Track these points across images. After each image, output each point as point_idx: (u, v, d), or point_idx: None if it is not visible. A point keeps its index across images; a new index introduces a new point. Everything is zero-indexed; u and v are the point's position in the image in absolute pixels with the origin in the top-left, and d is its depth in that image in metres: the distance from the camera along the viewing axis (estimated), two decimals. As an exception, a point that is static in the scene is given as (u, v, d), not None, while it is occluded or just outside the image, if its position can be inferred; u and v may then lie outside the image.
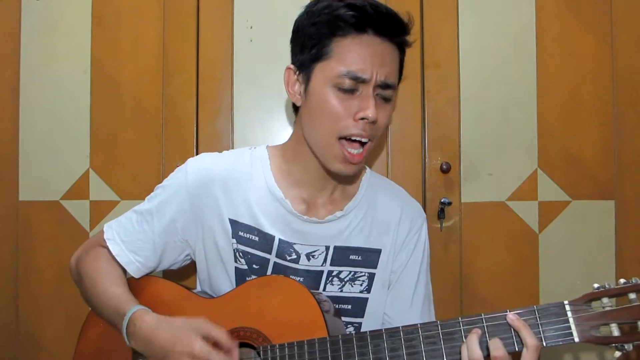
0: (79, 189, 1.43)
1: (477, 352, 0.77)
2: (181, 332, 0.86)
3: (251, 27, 1.43)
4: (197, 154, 1.41)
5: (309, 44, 0.93)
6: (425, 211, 1.37)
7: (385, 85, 0.91)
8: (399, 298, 1.05)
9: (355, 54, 0.89)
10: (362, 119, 0.89)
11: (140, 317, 0.90)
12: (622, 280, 0.77)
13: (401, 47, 0.95)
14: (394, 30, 0.91)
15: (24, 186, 1.44)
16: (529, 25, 1.40)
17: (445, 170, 1.36)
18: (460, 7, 1.41)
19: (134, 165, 1.42)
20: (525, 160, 1.40)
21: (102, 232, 1.05)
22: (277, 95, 1.42)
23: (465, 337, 0.79)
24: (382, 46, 0.90)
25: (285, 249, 1.00)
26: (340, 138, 0.92)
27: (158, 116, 1.42)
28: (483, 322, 0.80)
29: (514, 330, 0.78)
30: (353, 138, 0.91)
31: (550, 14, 1.40)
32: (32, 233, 1.44)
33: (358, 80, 0.89)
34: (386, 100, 0.93)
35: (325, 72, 0.91)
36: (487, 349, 0.78)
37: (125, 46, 1.44)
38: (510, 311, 0.79)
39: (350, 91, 0.90)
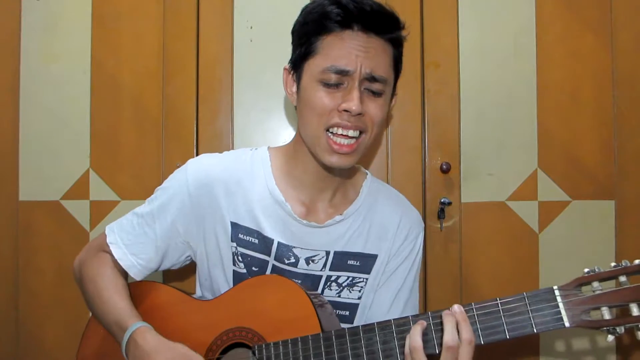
0: (79, 189, 1.43)
1: (418, 341, 0.78)
2: None
3: (251, 27, 1.43)
4: (197, 154, 1.41)
5: (299, 43, 0.94)
6: (425, 211, 1.38)
7: (372, 78, 0.90)
8: (381, 300, 1.04)
9: (339, 49, 0.89)
10: (346, 111, 0.89)
11: (141, 335, 0.90)
12: (612, 264, 0.76)
13: (393, 42, 0.93)
14: (380, 27, 0.90)
15: (24, 186, 1.44)
16: (529, 25, 1.40)
17: (445, 170, 1.36)
18: (460, 7, 1.40)
19: (134, 165, 1.42)
20: (525, 160, 1.40)
21: (104, 235, 1.04)
22: (277, 95, 1.42)
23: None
24: (368, 40, 0.89)
25: (284, 252, 0.99)
26: (327, 130, 0.91)
27: (158, 116, 1.42)
28: (474, 311, 0.79)
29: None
30: (339, 131, 0.90)
31: (550, 14, 1.40)
32: (32, 233, 1.43)
33: (343, 74, 0.89)
34: (375, 93, 0.91)
35: (312, 68, 0.91)
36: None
37: (125, 46, 1.44)
38: (500, 299, 0.78)
39: (336, 85, 0.90)
